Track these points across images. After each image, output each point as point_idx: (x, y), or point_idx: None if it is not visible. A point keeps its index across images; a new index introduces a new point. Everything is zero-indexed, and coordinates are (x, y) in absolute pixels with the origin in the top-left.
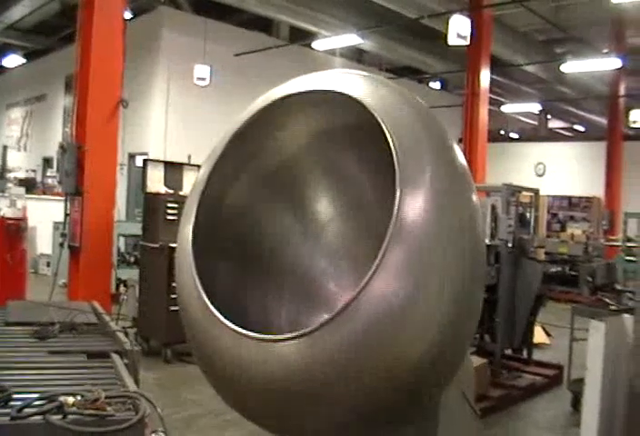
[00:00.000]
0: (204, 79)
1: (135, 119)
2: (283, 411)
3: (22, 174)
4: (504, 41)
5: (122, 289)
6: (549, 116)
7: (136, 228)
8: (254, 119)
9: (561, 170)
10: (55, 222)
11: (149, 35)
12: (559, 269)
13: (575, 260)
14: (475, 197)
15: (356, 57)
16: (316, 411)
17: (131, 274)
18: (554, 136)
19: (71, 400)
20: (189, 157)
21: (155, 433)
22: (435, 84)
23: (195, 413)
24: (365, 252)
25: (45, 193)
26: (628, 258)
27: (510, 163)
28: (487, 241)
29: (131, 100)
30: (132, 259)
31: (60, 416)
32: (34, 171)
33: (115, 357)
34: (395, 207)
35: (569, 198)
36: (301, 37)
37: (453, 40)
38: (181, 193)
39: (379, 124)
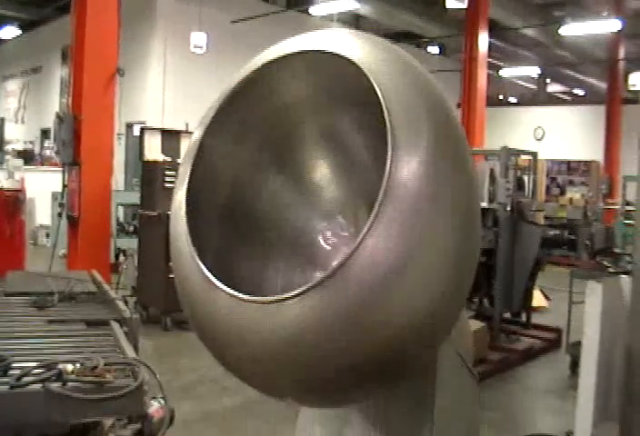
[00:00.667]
0: (200, 47)
1: (132, 88)
2: (277, 371)
3: (20, 146)
4: (502, 4)
5: (121, 258)
6: (548, 80)
7: (135, 197)
8: (248, 81)
9: (560, 134)
10: (54, 193)
11: (145, 2)
12: (557, 233)
13: (573, 224)
14: (469, 158)
15: (354, 23)
16: (310, 371)
17: (130, 244)
18: (552, 101)
19: (70, 367)
20: (187, 125)
21: (155, 400)
22: (434, 49)
23: (193, 380)
24: (362, 216)
25: (43, 165)
26: (627, 222)
27: (509, 128)
28: (486, 204)
29: (127, 69)
30: (131, 228)
31: (59, 384)
32: (31, 142)
33: (115, 325)
34: (387, 168)
35: (568, 162)
36: (298, 3)
37: (451, 3)
38: (179, 160)
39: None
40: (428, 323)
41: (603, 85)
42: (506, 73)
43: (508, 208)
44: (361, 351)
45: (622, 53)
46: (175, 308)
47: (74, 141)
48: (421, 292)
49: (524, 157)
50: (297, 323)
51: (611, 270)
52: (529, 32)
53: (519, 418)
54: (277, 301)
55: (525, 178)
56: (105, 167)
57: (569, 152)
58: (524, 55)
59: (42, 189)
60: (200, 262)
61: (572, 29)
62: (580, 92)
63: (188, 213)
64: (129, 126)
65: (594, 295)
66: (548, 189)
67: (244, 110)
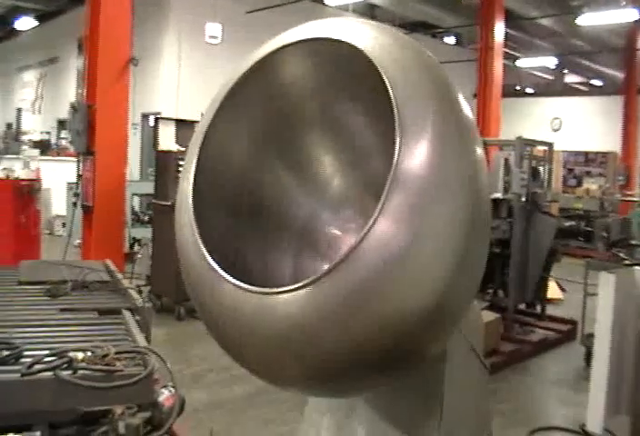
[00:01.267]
0: (215, 37)
1: (148, 79)
2: (284, 361)
3: (36, 137)
4: None
5: (136, 248)
6: (565, 71)
7: (150, 187)
8: (253, 70)
9: (577, 125)
10: (69, 183)
11: None
12: (573, 224)
13: (590, 215)
14: (478, 147)
15: (369, 13)
16: (318, 360)
17: (145, 233)
18: (570, 91)
19: (80, 355)
20: (202, 115)
21: (165, 388)
22: (450, 40)
23: (204, 369)
24: (368, 204)
25: (59, 155)
26: None
27: (526, 119)
28: (500, 195)
29: (142, 59)
30: (146, 218)
31: (70, 372)
32: (48, 133)
33: (127, 314)
34: (396, 154)
35: (585, 153)
36: None
37: None
38: None
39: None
40: (438, 310)
41: (620, 75)
42: (523, 63)
43: (523, 198)
44: (370, 339)
45: None
46: (188, 297)
47: (88, 130)
48: (430, 277)
49: (539, 148)
50: (305, 312)
51: (627, 261)
52: (546, 21)
53: (532, 410)
54: (285, 291)
55: (541, 169)
56: (120, 157)
57: (586, 143)
58: (540, 45)
59: (58, 179)
60: (206, 252)
61: (589, 19)
62: (597, 82)
63: (194, 202)
64: (145, 117)
65: (607, 286)
66: (565, 180)
67: (249, 99)
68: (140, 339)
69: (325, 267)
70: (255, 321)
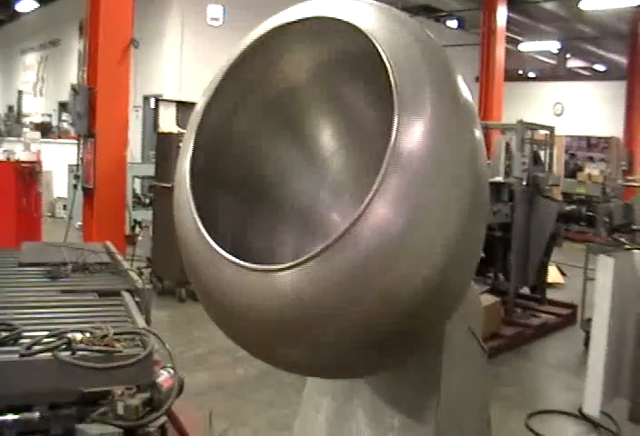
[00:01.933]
0: (217, 19)
1: (149, 61)
2: (281, 341)
3: (37, 119)
4: None
5: (137, 230)
6: (568, 55)
7: (151, 170)
8: (253, 48)
9: (580, 110)
10: (70, 166)
11: None
12: (575, 208)
13: (592, 200)
14: (477, 130)
15: None
16: (314, 341)
17: (146, 216)
18: (572, 76)
19: (79, 336)
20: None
21: (164, 369)
22: (452, 23)
23: (206, 351)
24: (369, 184)
25: (60, 137)
26: None
27: (528, 103)
28: (501, 179)
29: (144, 42)
30: (147, 200)
31: (68, 352)
32: (49, 115)
33: (126, 295)
34: (393, 134)
35: (588, 138)
36: None
37: None
38: None
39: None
40: (437, 287)
41: (624, 61)
42: (526, 47)
43: (524, 182)
44: (368, 319)
45: None
46: (189, 279)
47: (89, 112)
48: (427, 257)
49: (541, 132)
50: (303, 291)
51: (627, 246)
52: (549, 5)
53: (532, 393)
54: (282, 269)
55: (542, 153)
56: (121, 139)
57: (589, 128)
58: (543, 30)
59: (59, 162)
60: (205, 232)
61: (593, 3)
62: (601, 67)
63: (193, 181)
64: (146, 99)
65: (605, 269)
66: (567, 165)
67: (248, 79)
68: (140, 320)
69: (321, 246)
70: (254, 299)
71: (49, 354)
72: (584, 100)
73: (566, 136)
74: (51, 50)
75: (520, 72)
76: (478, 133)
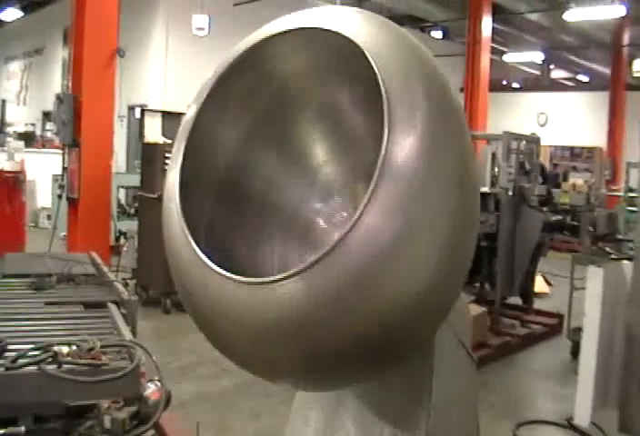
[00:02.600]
0: (202, 29)
1: (134, 71)
2: (273, 354)
3: (21, 128)
4: None
5: (122, 240)
6: (552, 66)
7: (136, 180)
8: (243, 57)
9: (563, 120)
10: (55, 176)
11: None
12: (560, 218)
13: (576, 210)
14: (468, 139)
15: (356, 5)
16: (308, 353)
17: (131, 226)
18: (556, 86)
19: (66, 349)
20: (188, 107)
21: (151, 382)
22: (437, 34)
23: (192, 362)
24: (359, 194)
25: (44, 147)
26: (630, 208)
27: (512, 113)
28: (488, 189)
29: (129, 51)
30: (132, 210)
31: (54, 366)
32: (33, 124)
33: (112, 307)
34: (384, 145)
35: (571, 148)
36: None
37: None
38: None
39: (370, 63)
40: (428, 299)
41: (607, 71)
42: (510, 58)
43: (510, 192)
44: (360, 331)
45: (626, 38)
46: (174, 290)
47: (73, 122)
48: (419, 268)
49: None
50: (294, 304)
51: (613, 256)
52: (533, 16)
53: (520, 402)
54: (273, 281)
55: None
56: (105, 149)
57: (572, 138)
58: (528, 40)
59: (43, 171)
60: (193, 243)
61: (576, 14)
62: (584, 78)
63: (181, 192)
64: (131, 109)
65: (595, 280)
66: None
67: (238, 87)
68: (126, 332)
69: (313, 257)
70: (243, 311)
71: (35, 367)
72: (567, 110)
73: (550, 146)
74: (35, 58)
75: (504, 82)
76: (469, 141)
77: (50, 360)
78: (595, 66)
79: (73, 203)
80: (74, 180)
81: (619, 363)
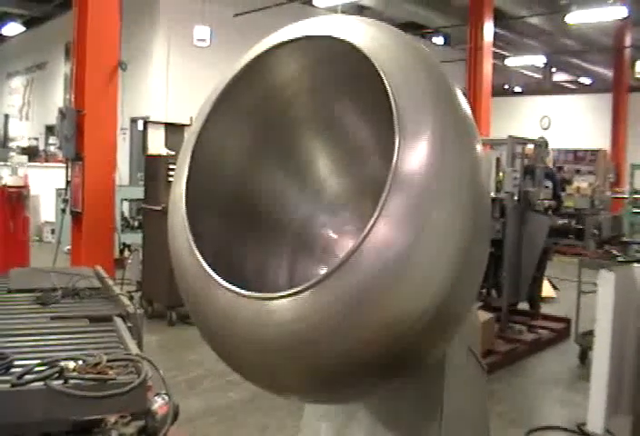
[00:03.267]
0: (204, 40)
1: (136, 83)
2: (282, 368)
3: (24, 143)
4: None
5: (126, 253)
6: (554, 69)
7: (139, 192)
8: (246, 70)
9: (566, 123)
10: (58, 190)
11: None
12: (565, 222)
13: (581, 213)
14: (478, 146)
15: (358, 14)
16: (318, 367)
17: (135, 239)
18: (558, 89)
19: (72, 364)
20: (191, 119)
21: (158, 396)
22: (438, 40)
23: (198, 375)
24: (366, 206)
25: (47, 161)
26: (635, 210)
27: (515, 118)
28: (493, 194)
29: (130, 63)
30: (136, 223)
31: (61, 381)
32: (36, 139)
33: (118, 320)
34: (395, 156)
35: (575, 152)
36: None
37: None
38: None
39: (378, 72)
40: (440, 313)
41: (609, 74)
42: (512, 62)
43: (515, 197)
44: (371, 344)
45: (628, 40)
46: (179, 303)
47: (76, 136)
48: (432, 280)
49: (530, 146)
50: (304, 318)
51: (620, 259)
52: (534, 20)
53: (528, 410)
54: (281, 296)
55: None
56: (109, 162)
57: (576, 141)
58: (529, 44)
59: (46, 186)
60: (200, 257)
61: (577, 17)
62: (586, 80)
63: (188, 205)
64: (133, 121)
65: (606, 284)
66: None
67: (243, 100)
68: (132, 346)
69: (322, 271)
70: (252, 327)
71: (41, 383)
72: (570, 113)
73: (554, 149)
74: (37, 73)
75: (506, 86)
76: (479, 149)
77: (56, 375)
78: (597, 69)
79: (76, 216)
80: (77, 194)
81: (631, 369)
